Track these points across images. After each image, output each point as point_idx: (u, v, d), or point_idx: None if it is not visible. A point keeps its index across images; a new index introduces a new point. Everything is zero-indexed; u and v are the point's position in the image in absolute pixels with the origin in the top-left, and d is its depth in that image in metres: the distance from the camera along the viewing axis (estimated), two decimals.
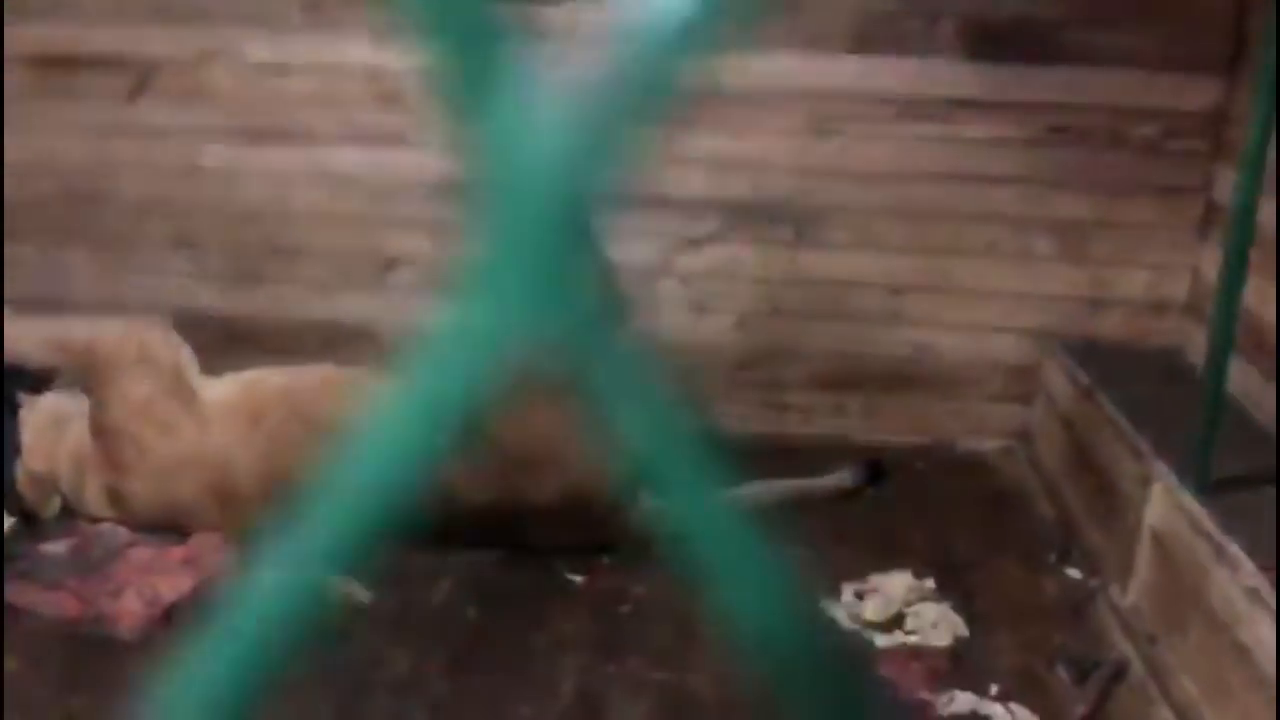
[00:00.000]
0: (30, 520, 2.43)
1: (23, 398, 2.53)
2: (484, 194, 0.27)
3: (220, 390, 2.47)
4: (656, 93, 0.27)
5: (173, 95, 3.07)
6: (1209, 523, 1.90)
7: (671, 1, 0.26)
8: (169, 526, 2.39)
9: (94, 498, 2.41)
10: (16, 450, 2.44)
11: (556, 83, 0.27)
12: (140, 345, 2.44)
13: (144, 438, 2.38)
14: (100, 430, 2.41)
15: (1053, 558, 2.48)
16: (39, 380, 2.56)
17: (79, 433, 2.44)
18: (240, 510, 2.36)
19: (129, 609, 2.13)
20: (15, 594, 2.17)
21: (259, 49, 3.01)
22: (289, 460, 2.33)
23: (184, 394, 2.43)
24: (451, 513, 2.32)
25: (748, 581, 0.30)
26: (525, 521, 2.36)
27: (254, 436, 2.36)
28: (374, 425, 0.30)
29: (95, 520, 2.42)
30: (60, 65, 3.07)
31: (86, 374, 2.45)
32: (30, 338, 2.51)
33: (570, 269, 0.28)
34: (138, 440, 2.38)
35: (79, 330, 2.53)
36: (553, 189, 0.27)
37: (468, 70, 0.26)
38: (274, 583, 0.31)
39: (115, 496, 2.39)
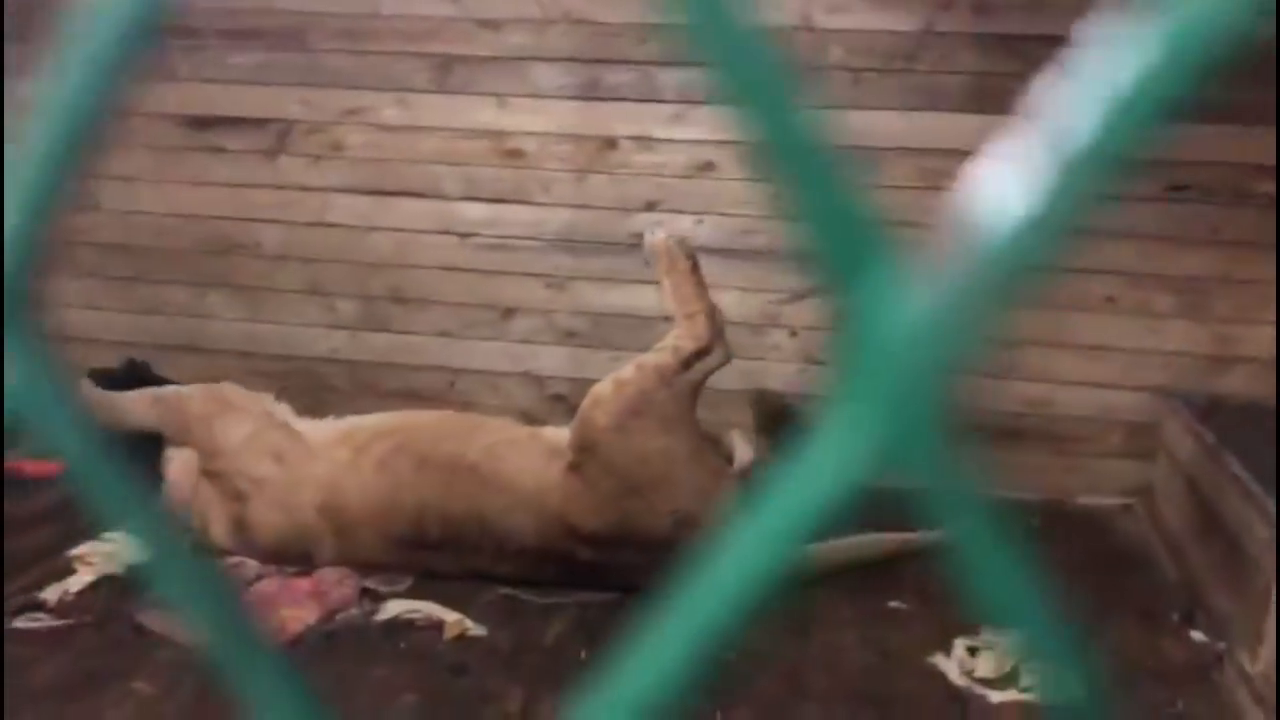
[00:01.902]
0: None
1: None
2: (851, 360, 0.30)
3: (317, 429, 2.58)
4: (1011, 278, 0.30)
5: (309, 153, 3.24)
6: None
7: (1023, 194, 0.29)
8: (292, 556, 2.49)
9: (220, 531, 2.52)
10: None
11: (919, 261, 0.31)
12: (222, 396, 2.60)
13: (256, 469, 2.49)
14: (213, 475, 2.53)
15: (1176, 619, 2.41)
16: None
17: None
18: (353, 536, 2.45)
19: None
20: (151, 620, 2.28)
21: (390, 111, 3.17)
22: (397, 490, 2.42)
23: (280, 429, 2.55)
24: (567, 540, 2.37)
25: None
26: (635, 554, 2.39)
27: (360, 463, 2.45)
28: (721, 551, 0.33)
29: (224, 554, 2.54)
30: (206, 124, 3.27)
31: (184, 430, 2.57)
32: (127, 404, 2.63)
33: (924, 438, 0.31)
34: (250, 472, 2.49)
35: (164, 393, 2.67)
36: (914, 364, 0.30)
37: (841, 244, 0.30)
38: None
39: (239, 525, 2.50)
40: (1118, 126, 0.28)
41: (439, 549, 2.44)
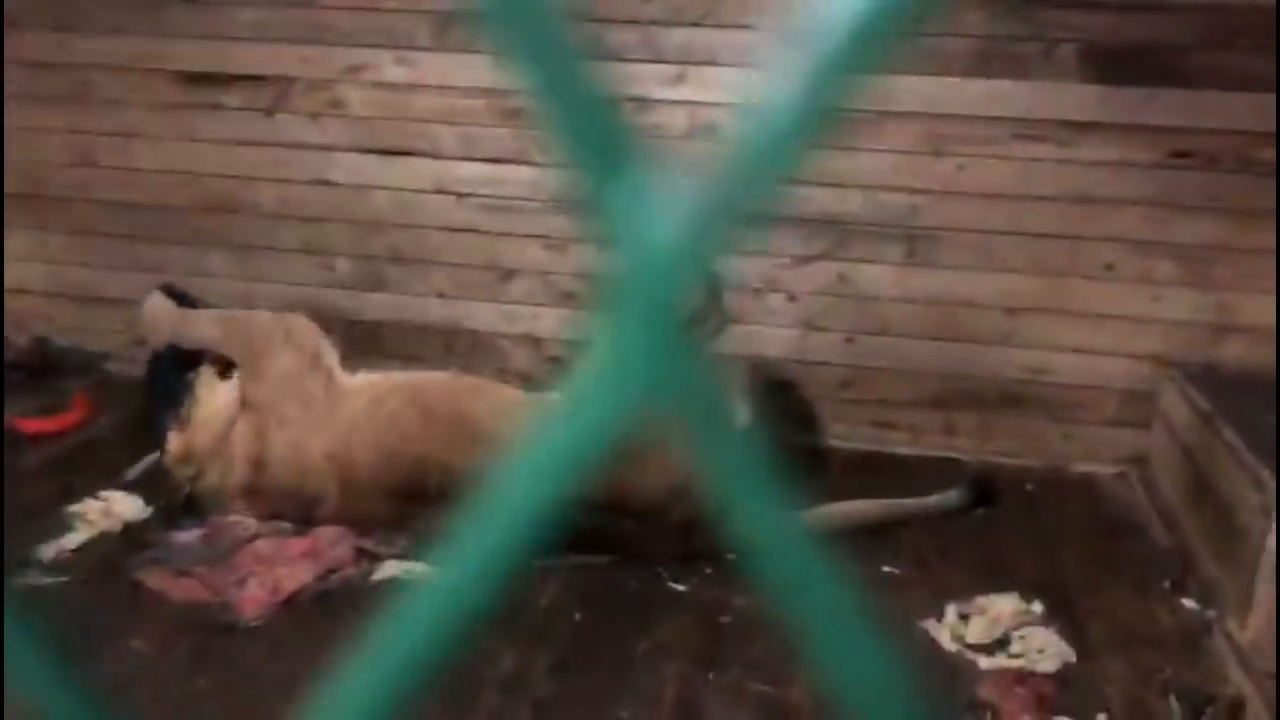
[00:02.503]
0: (171, 493, 2.56)
1: (197, 374, 2.67)
2: (608, 272, 0.31)
3: (353, 379, 2.64)
4: (764, 183, 0.29)
5: (308, 111, 3.21)
6: None
7: (778, 94, 0.29)
8: (294, 508, 2.52)
9: (240, 471, 2.55)
10: (177, 421, 2.60)
11: (672, 172, 0.31)
12: (289, 328, 2.66)
13: (286, 410, 2.55)
14: (250, 402, 2.59)
15: (1167, 586, 2.42)
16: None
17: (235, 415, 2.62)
18: (356, 487, 2.49)
19: (252, 597, 2.24)
20: (147, 578, 2.30)
21: (390, 68, 3.14)
22: (402, 443, 2.47)
23: (322, 373, 2.61)
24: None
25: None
26: (629, 522, 2.40)
27: (376, 414, 2.51)
28: (509, 472, 0.33)
29: (226, 510, 2.55)
30: (205, 81, 3.25)
31: (243, 350, 2.65)
32: (199, 319, 2.75)
33: (684, 349, 0.31)
34: (280, 411, 2.56)
35: (234, 313, 2.79)
36: (670, 273, 0.30)
37: (593, 157, 0.30)
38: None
39: (258, 465, 2.55)
40: (862, 34, 0.28)
41: (436, 502, 2.46)
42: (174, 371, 2.70)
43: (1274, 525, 2.06)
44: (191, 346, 2.69)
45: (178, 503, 2.57)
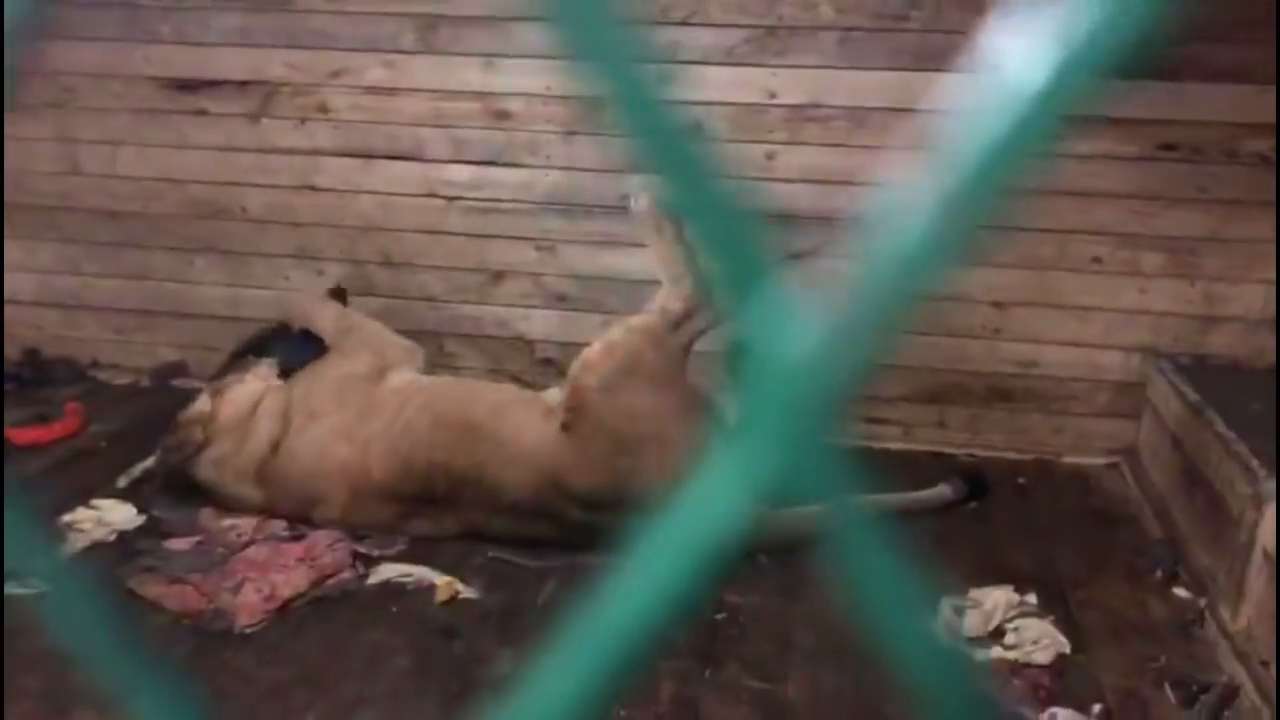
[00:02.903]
0: (171, 451, 2.57)
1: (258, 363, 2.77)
2: (747, 367, 0.31)
3: (401, 379, 2.66)
4: (902, 299, 0.30)
5: (293, 116, 3.21)
6: None
7: (917, 208, 0.29)
8: (294, 506, 2.52)
9: (255, 449, 2.55)
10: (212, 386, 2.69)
11: (813, 278, 0.31)
12: (382, 340, 2.76)
13: (322, 404, 2.58)
14: (306, 377, 2.65)
15: (1159, 576, 2.44)
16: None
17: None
18: (364, 496, 2.49)
19: (247, 603, 2.23)
20: (142, 587, 2.29)
21: (375, 72, 3.13)
22: (413, 450, 2.47)
23: (374, 379, 2.62)
24: (559, 499, 2.40)
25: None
26: (628, 518, 2.40)
27: (395, 419, 2.51)
28: (627, 573, 0.33)
29: (221, 489, 2.56)
30: (189, 87, 3.24)
31: (333, 345, 2.76)
32: (325, 310, 2.88)
33: (822, 460, 0.31)
34: (315, 404, 2.58)
35: (354, 316, 2.88)
36: (808, 386, 0.30)
37: (733, 269, 0.30)
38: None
39: (275, 448, 2.55)
40: (1005, 151, 0.28)
41: (440, 504, 2.47)
42: (295, 347, 2.83)
43: (1267, 514, 2.07)
44: (316, 332, 2.83)
45: (173, 462, 2.57)
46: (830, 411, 0.30)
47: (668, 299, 2.48)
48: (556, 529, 2.44)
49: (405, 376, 2.67)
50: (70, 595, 0.40)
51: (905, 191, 0.29)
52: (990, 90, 0.29)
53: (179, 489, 2.61)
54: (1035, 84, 0.29)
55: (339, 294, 3.03)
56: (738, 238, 0.30)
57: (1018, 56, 0.29)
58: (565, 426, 2.43)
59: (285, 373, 2.72)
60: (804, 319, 0.30)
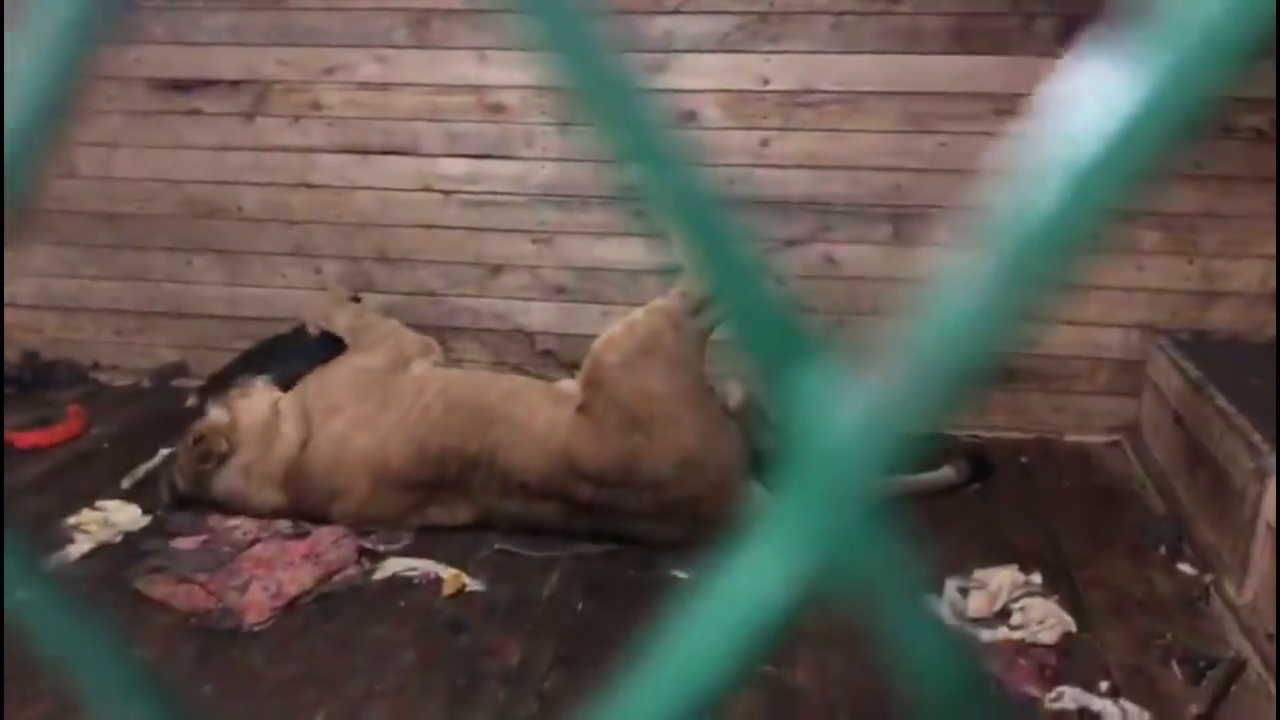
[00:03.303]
0: (196, 460, 2.57)
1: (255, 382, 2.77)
2: (788, 454, 0.30)
3: (418, 370, 2.71)
4: (946, 377, 0.28)
5: (287, 113, 3.21)
6: None
7: (962, 279, 0.28)
8: (320, 498, 2.54)
9: (282, 449, 2.57)
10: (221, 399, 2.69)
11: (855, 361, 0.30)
12: (400, 338, 2.79)
13: (342, 399, 2.60)
14: (321, 375, 2.68)
15: (1163, 552, 2.44)
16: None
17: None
18: (385, 485, 2.51)
19: (254, 601, 2.23)
20: (149, 587, 2.29)
21: (368, 68, 3.13)
22: (429, 435, 2.51)
23: (393, 374, 2.66)
24: (569, 476, 2.41)
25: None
26: (636, 495, 2.42)
27: (412, 408, 2.55)
28: (671, 648, 0.33)
29: (243, 494, 2.56)
30: (182, 87, 3.24)
31: (352, 343, 2.81)
32: (343, 310, 2.92)
33: (868, 535, 0.31)
34: (335, 399, 2.61)
35: (371, 316, 2.92)
36: (853, 461, 0.29)
37: (772, 345, 0.30)
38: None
39: (300, 445, 2.57)
40: (1052, 237, 0.27)
41: (452, 488, 2.49)
42: (314, 348, 2.88)
43: (1270, 488, 2.07)
44: (333, 331, 2.87)
45: (200, 472, 2.56)
46: (873, 491, 0.30)
47: (689, 283, 2.51)
48: (566, 510, 2.45)
49: (422, 368, 2.70)
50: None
51: (960, 260, 0.28)
52: (1051, 147, 0.27)
53: (191, 505, 2.60)
54: (1101, 142, 0.26)
55: (354, 301, 3.06)
56: (772, 318, 0.30)
57: (1085, 108, 0.27)
58: (582, 407, 2.46)
59: (287, 385, 2.73)
60: (846, 397, 0.29)
